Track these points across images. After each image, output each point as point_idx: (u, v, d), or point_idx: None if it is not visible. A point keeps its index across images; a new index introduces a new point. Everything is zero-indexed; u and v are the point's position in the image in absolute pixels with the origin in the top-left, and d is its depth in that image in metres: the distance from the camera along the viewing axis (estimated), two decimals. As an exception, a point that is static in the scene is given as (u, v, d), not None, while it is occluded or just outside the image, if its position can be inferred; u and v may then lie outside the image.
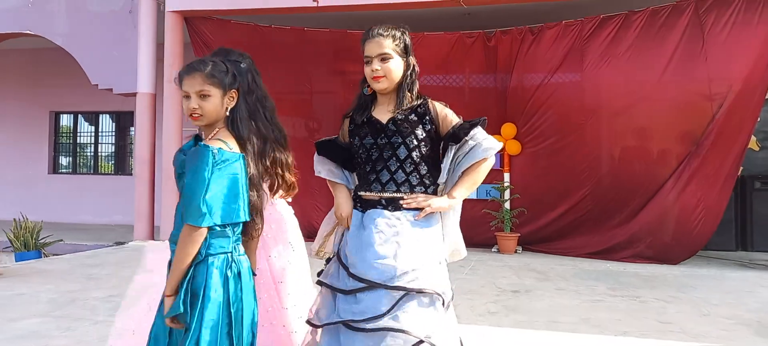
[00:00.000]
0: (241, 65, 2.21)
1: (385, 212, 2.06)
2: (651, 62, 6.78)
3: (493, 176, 7.84)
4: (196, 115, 1.78)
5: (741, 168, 8.43)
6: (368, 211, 2.10)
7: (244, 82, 2.08)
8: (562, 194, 7.28)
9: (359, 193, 2.16)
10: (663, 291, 5.15)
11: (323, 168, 2.25)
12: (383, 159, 2.10)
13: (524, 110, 7.57)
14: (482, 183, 7.68)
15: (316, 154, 2.27)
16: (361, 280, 1.94)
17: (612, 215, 6.98)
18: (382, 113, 2.15)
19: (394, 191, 2.08)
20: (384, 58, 2.07)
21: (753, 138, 8.64)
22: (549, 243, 7.40)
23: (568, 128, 7.24)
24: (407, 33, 2.15)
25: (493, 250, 7.60)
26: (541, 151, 7.49)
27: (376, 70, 2.07)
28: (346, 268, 2.03)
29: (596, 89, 7.05)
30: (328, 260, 2.20)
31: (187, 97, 1.80)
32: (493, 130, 7.74)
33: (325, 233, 2.30)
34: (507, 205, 7.58)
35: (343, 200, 2.18)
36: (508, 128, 7.65)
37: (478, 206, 7.79)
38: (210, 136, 1.80)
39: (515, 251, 7.46)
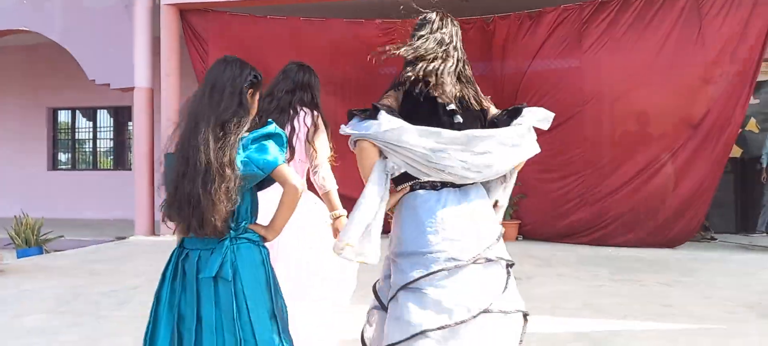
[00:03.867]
0: None
1: None
2: (649, 46, 6.77)
3: (493, 164, 7.82)
4: None
5: (741, 150, 8.47)
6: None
7: None
8: (561, 180, 7.27)
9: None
10: (665, 275, 5.17)
11: None
12: None
13: (523, 96, 7.53)
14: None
15: None
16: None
17: (612, 200, 6.98)
18: None
19: None
20: None
21: (753, 120, 8.64)
22: (549, 229, 7.40)
23: (567, 113, 7.20)
24: None
25: (494, 237, 7.61)
26: (540, 136, 7.46)
27: None
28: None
29: (595, 74, 7.03)
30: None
31: None
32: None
33: None
34: (507, 192, 7.57)
35: None
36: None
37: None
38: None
39: (516, 239, 7.48)
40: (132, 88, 8.18)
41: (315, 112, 2.67)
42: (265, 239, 1.80)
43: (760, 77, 8.57)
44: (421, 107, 1.96)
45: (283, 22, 7.92)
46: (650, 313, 3.89)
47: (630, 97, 6.90)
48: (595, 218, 7.05)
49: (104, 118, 12.00)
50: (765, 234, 7.72)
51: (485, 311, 1.79)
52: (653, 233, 6.82)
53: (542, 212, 7.43)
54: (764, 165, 7.73)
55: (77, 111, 12.00)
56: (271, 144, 1.75)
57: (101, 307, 4.06)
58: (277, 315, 1.73)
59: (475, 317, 1.77)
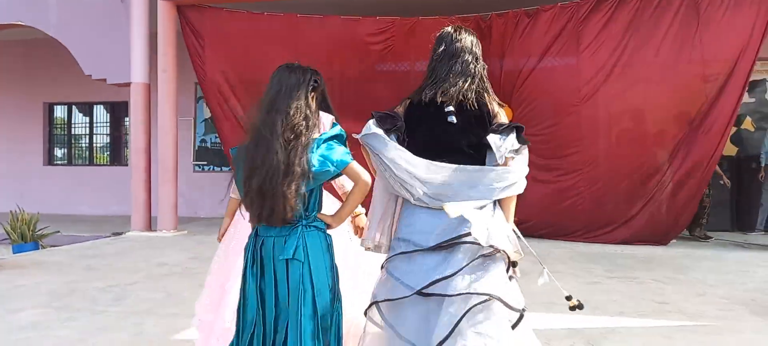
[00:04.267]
0: None
1: None
2: (646, 44, 6.78)
3: (490, 161, 7.84)
4: None
5: (736, 149, 8.50)
6: None
7: None
8: (558, 178, 7.29)
9: None
10: (660, 272, 5.20)
11: None
12: None
13: (520, 94, 7.55)
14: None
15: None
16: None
17: (608, 198, 7.01)
18: None
19: None
20: None
21: (748, 119, 8.67)
22: (545, 226, 7.42)
23: (564, 111, 7.24)
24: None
25: (490, 234, 7.62)
26: (537, 134, 7.48)
27: None
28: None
29: (592, 72, 7.05)
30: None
31: None
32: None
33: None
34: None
35: None
36: (504, 112, 7.64)
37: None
38: None
39: (512, 235, 7.48)
40: (129, 84, 8.15)
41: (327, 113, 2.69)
42: (328, 227, 2.01)
43: (756, 76, 8.65)
44: (421, 109, 2.12)
45: (280, 19, 7.90)
46: (645, 310, 3.91)
47: (627, 95, 6.92)
48: (591, 215, 7.08)
49: (101, 114, 11.96)
50: (765, 233, 7.75)
51: (421, 292, 1.92)
52: (649, 229, 6.86)
53: (538, 208, 7.45)
54: (762, 164, 7.74)
55: (73, 106, 11.96)
56: (337, 144, 1.96)
57: (97, 302, 4.06)
58: (334, 294, 1.97)
59: (411, 294, 1.94)
